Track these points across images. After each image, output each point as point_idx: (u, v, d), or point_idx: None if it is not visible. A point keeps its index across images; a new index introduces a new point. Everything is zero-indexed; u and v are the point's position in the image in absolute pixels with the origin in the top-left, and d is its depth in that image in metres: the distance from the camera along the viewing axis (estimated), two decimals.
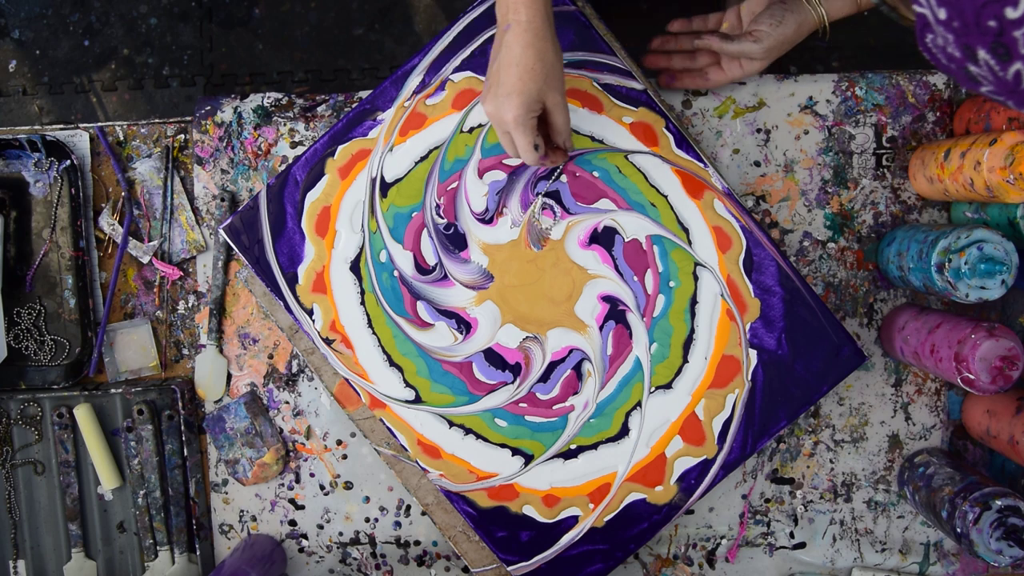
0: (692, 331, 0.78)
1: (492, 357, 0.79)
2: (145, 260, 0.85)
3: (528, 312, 0.79)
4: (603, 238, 0.78)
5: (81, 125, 0.86)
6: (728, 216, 0.78)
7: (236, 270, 0.85)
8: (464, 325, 0.79)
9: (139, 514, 0.84)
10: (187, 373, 0.86)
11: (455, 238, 0.79)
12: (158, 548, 0.84)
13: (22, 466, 0.85)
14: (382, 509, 0.86)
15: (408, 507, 0.86)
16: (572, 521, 0.78)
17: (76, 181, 0.84)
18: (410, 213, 0.79)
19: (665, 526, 0.79)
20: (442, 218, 0.79)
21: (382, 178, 0.79)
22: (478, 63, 0.78)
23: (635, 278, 0.78)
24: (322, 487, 0.85)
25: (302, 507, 0.86)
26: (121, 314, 0.87)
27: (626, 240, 0.78)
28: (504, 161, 0.78)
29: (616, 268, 0.78)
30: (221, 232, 0.81)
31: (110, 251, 0.86)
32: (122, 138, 0.86)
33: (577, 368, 0.78)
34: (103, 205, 0.86)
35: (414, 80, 0.79)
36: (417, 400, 0.79)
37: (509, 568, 0.79)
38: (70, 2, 1.63)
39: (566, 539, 0.79)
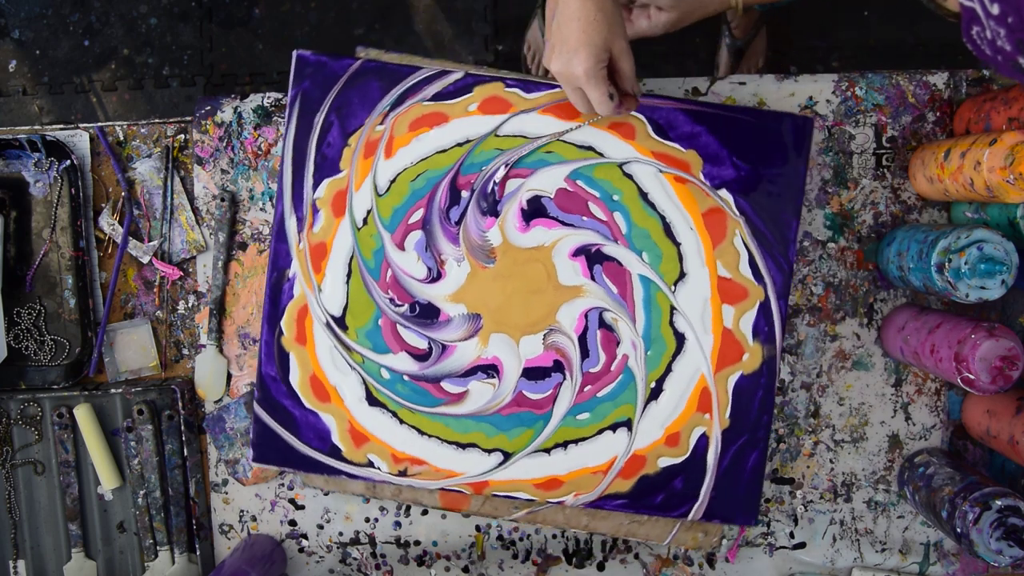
0: (663, 219, 0.78)
1: (533, 373, 0.79)
2: (145, 260, 0.85)
3: (528, 316, 0.79)
4: (533, 209, 0.79)
5: (81, 125, 0.86)
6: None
7: (236, 270, 0.85)
8: (490, 370, 0.79)
9: (139, 514, 0.84)
10: (187, 373, 0.86)
11: (425, 312, 0.79)
12: (158, 548, 0.84)
13: (22, 466, 0.85)
14: (382, 509, 0.86)
15: (408, 507, 0.86)
16: (703, 441, 0.78)
17: (76, 181, 0.84)
18: (376, 323, 0.79)
19: (775, 384, 0.78)
20: (401, 305, 0.79)
21: (331, 317, 0.80)
22: (325, 167, 0.79)
23: (584, 219, 0.78)
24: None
25: (302, 507, 0.86)
26: (121, 314, 0.87)
27: (552, 196, 0.79)
28: (410, 221, 0.79)
29: (563, 223, 0.79)
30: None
31: (110, 251, 0.86)
32: (122, 138, 0.86)
33: (603, 323, 0.79)
34: (103, 205, 0.86)
35: (291, 223, 0.80)
36: (507, 456, 0.79)
37: (688, 519, 0.79)
38: (70, 2, 1.63)
39: (711, 458, 0.78)
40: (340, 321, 0.80)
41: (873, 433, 0.83)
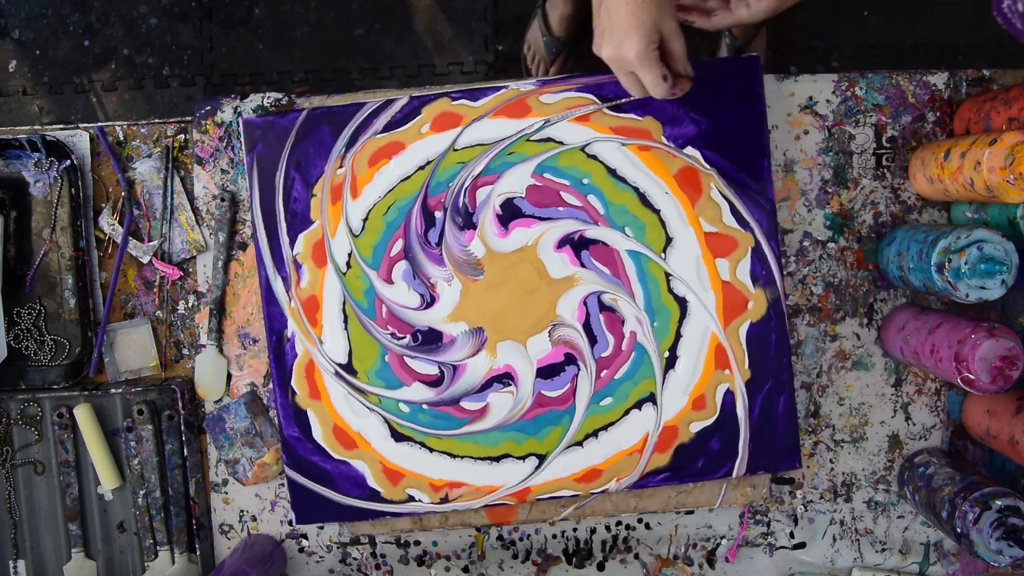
0: (637, 190, 0.78)
1: (547, 372, 0.79)
2: (145, 260, 0.85)
3: (529, 317, 0.79)
4: (508, 213, 0.79)
5: (81, 125, 0.86)
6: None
7: (236, 270, 0.85)
8: (505, 379, 0.79)
9: (139, 514, 0.84)
10: (187, 373, 0.86)
11: (428, 338, 0.79)
12: (158, 548, 0.84)
13: (22, 466, 0.85)
14: None
15: None
16: (730, 397, 0.78)
17: (76, 181, 0.84)
18: (383, 360, 0.80)
19: (786, 324, 0.78)
20: (403, 337, 0.79)
21: (338, 365, 0.80)
22: (296, 223, 0.79)
23: (560, 209, 0.79)
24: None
25: None
26: (121, 314, 0.87)
27: (523, 195, 0.79)
28: (392, 254, 0.79)
29: (540, 218, 0.79)
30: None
31: (110, 251, 0.86)
32: (122, 138, 0.86)
33: (604, 306, 0.79)
34: (103, 205, 0.86)
35: (277, 284, 0.80)
36: (541, 459, 0.79)
37: (733, 476, 0.79)
38: (70, 2, 1.63)
39: (741, 412, 0.78)
40: (348, 367, 0.80)
41: (873, 433, 0.83)
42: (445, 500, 0.80)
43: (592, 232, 0.79)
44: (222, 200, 0.84)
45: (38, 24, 1.63)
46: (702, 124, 0.78)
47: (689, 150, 0.78)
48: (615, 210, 0.79)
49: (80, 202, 0.84)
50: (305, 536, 0.86)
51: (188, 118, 0.86)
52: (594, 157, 0.79)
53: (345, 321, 0.80)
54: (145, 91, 1.62)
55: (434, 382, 0.79)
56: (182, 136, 0.86)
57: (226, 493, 0.86)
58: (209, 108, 0.85)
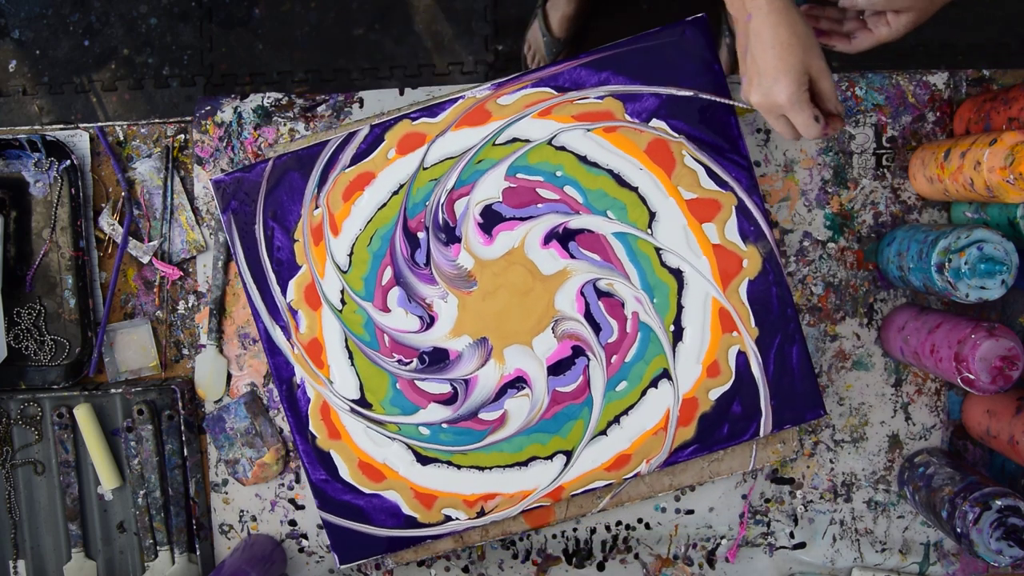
0: (612, 172, 0.78)
1: (558, 368, 0.79)
2: (145, 260, 0.85)
3: (530, 317, 0.79)
4: (489, 219, 0.79)
5: (81, 125, 0.86)
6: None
7: (235, 271, 0.85)
8: (518, 383, 0.79)
9: (139, 514, 0.84)
10: (187, 373, 0.86)
11: (434, 358, 0.79)
12: (158, 548, 0.84)
13: (22, 466, 0.85)
14: None
15: None
16: (742, 358, 0.78)
17: (76, 181, 0.84)
18: (395, 388, 0.80)
19: (784, 275, 0.78)
20: (409, 362, 0.79)
21: (352, 402, 0.80)
22: (284, 271, 0.80)
23: (539, 205, 0.79)
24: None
25: (302, 507, 0.86)
26: (121, 314, 0.87)
27: (500, 199, 0.79)
28: (383, 283, 0.79)
29: (522, 219, 0.79)
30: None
31: (110, 251, 0.86)
32: (122, 138, 0.86)
33: (602, 292, 0.78)
34: (103, 205, 0.86)
35: (277, 334, 0.80)
36: (568, 454, 0.79)
37: (761, 436, 0.78)
38: (70, 2, 1.63)
39: (756, 370, 0.78)
40: (362, 402, 0.80)
41: (873, 433, 0.83)
42: (482, 513, 0.80)
43: (575, 222, 0.79)
44: None
45: (38, 24, 1.63)
46: (663, 95, 0.78)
47: (655, 122, 0.78)
48: (593, 196, 0.79)
49: (80, 202, 0.84)
50: (305, 536, 0.86)
51: (188, 118, 0.86)
52: (563, 148, 0.79)
53: (350, 357, 0.80)
54: (145, 91, 1.62)
55: (449, 400, 0.79)
56: (182, 136, 0.86)
57: (226, 493, 0.86)
58: (209, 108, 0.85)
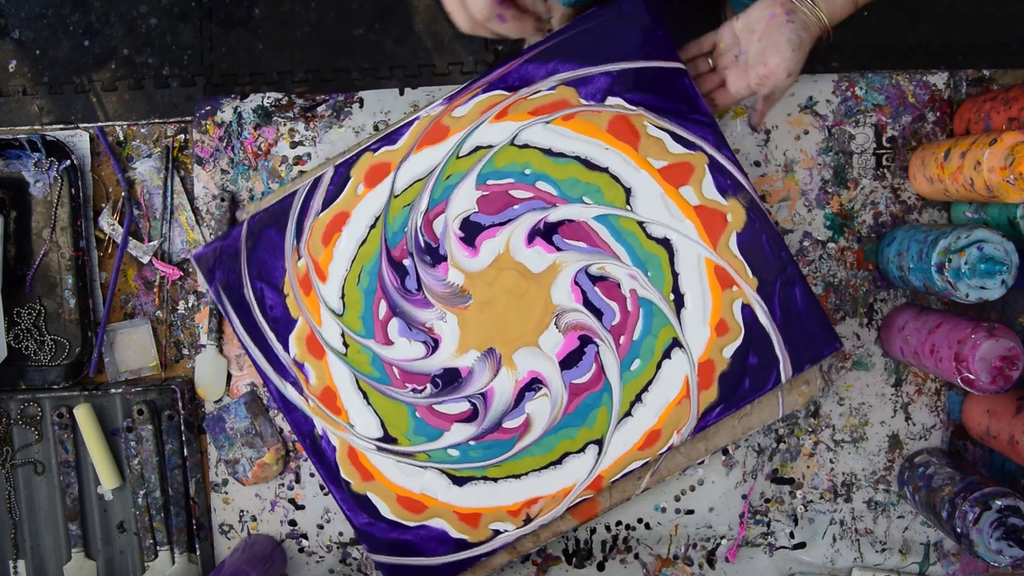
0: (579, 158, 0.78)
1: (569, 361, 0.79)
2: (145, 260, 0.85)
3: (530, 317, 0.79)
4: (469, 232, 0.79)
5: (81, 125, 0.86)
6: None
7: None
8: (534, 385, 0.79)
9: (139, 514, 0.84)
10: (187, 373, 0.86)
11: (447, 379, 0.79)
12: (158, 548, 0.84)
13: (22, 466, 0.85)
14: None
15: None
16: (748, 310, 0.78)
17: (76, 181, 0.84)
18: (415, 417, 0.80)
19: (770, 220, 0.78)
20: (423, 389, 0.79)
21: (376, 441, 0.80)
22: (281, 328, 0.80)
23: (515, 207, 0.79)
24: (322, 487, 0.85)
25: (302, 507, 0.86)
26: (121, 314, 0.87)
27: (476, 209, 0.79)
28: (380, 317, 0.79)
29: (501, 224, 0.79)
30: None
31: (110, 251, 0.86)
32: (122, 138, 0.86)
33: (595, 278, 0.79)
34: (103, 205, 0.86)
35: (289, 391, 0.80)
36: (599, 443, 0.79)
37: (783, 382, 0.78)
38: (70, 2, 1.63)
39: (764, 319, 0.78)
40: (386, 438, 0.80)
41: (873, 433, 0.83)
42: (528, 520, 0.79)
43: (554, 215, 0.79)
44: (222, 200, 0.84)
45: (38, 24, 1.63)
46: (613, 72, 0.78)
47: (611, 100, 0.78)
48: (566, 185, 0.78)
49: (80, 202, 0.84)
50: (305, 536, 0.86)
51: (188, 118, 0.86)
52: (526, 145, 0.79)
53: (365, 397, 0.80)
54: (145, 91, 1.62)
55: (470, 417, 0.79)
56: (182, 136, 0.86)
57: (226, 493, 0.86)
58: (209, 108, 0.85)
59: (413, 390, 0.79)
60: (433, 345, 0.79)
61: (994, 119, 0.74)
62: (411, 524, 0.79)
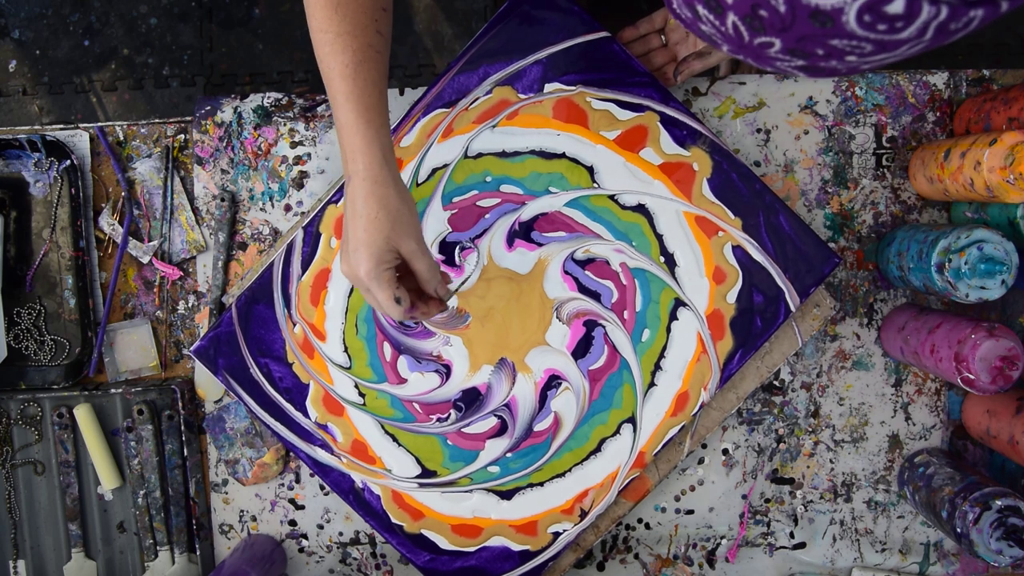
0: (531, 151, 0.79)
1: (580, 349, 0.79)
2: (145, 260, 0.86)
3: (532, 318, 0.79)
4: (448, 252, 0.79)
5: (81, 125, 0.86)
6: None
7: (236, 270, 0.85)
8: (553, 382, 0.79)
9: (139, 514, 0.84)
10: (187, 373, 0.86)
11: (468, 400, 0.79)
12: (158, 548, 0.84)
13: (22, 466, 0.85)
14: None
15: None
16: (739, 251, 0.78)
17: (76, 181, 0.84)
18: (448, 445, 0.80)
19: (735, 158, 0.78)
20: (447, 416, 0.80)
21: (416, 478, 0.80)
22: (296, 395, 0.80)
23: (486, 216, 0.79)
24: (322, 487, 0.85)
25: (302, 507, 0.86)
26: (121, 314, 0.87)
27: (450, 228, 0.79)
28: (387, 359, 0.80)
29: (477, 237, 0.79)
30: None
31: (110, 251, 0.86)
32: (122, 138, 0.86)
33: (582, 262, 0.79)
34: (103, 205, 0.86)
35: (321, 454, 0.80)
36: (632, 421, 0.79)
37: (794, 311, 0.78)
38: (70, 2, 1.63)
39: (757, 254, 0.78)
40: (425, 473, 0.80)
41: (873, 433, 0.83)
42: (584, 514, 0.79)
43: (526, 213, 0.79)
44: (222, 200, 0.84)
45: (38, 24, 1.63)
46: (543, 59, 0.78)
47: (548, 87, 0.78)
48: (529, 181, 0.79)
49: (80, 202, 0.84)
50: (305, 536, 0.86)
51: (188, 118, 0.86)
52: (480, 154, 0.79)
53: (395, 440, 0.80)
54: (145, 91, 1.62)
55: (500, 431, 0.79)
56: (182, 136, 0.86)
57: (226, 493, 0.86)
58: (209, 108, 0.85)
59: (439, 420, 0.79)
60: (446, 372, 0.79)
61: (994, 119, 0.74)
62: (472, 549, 0.80)
